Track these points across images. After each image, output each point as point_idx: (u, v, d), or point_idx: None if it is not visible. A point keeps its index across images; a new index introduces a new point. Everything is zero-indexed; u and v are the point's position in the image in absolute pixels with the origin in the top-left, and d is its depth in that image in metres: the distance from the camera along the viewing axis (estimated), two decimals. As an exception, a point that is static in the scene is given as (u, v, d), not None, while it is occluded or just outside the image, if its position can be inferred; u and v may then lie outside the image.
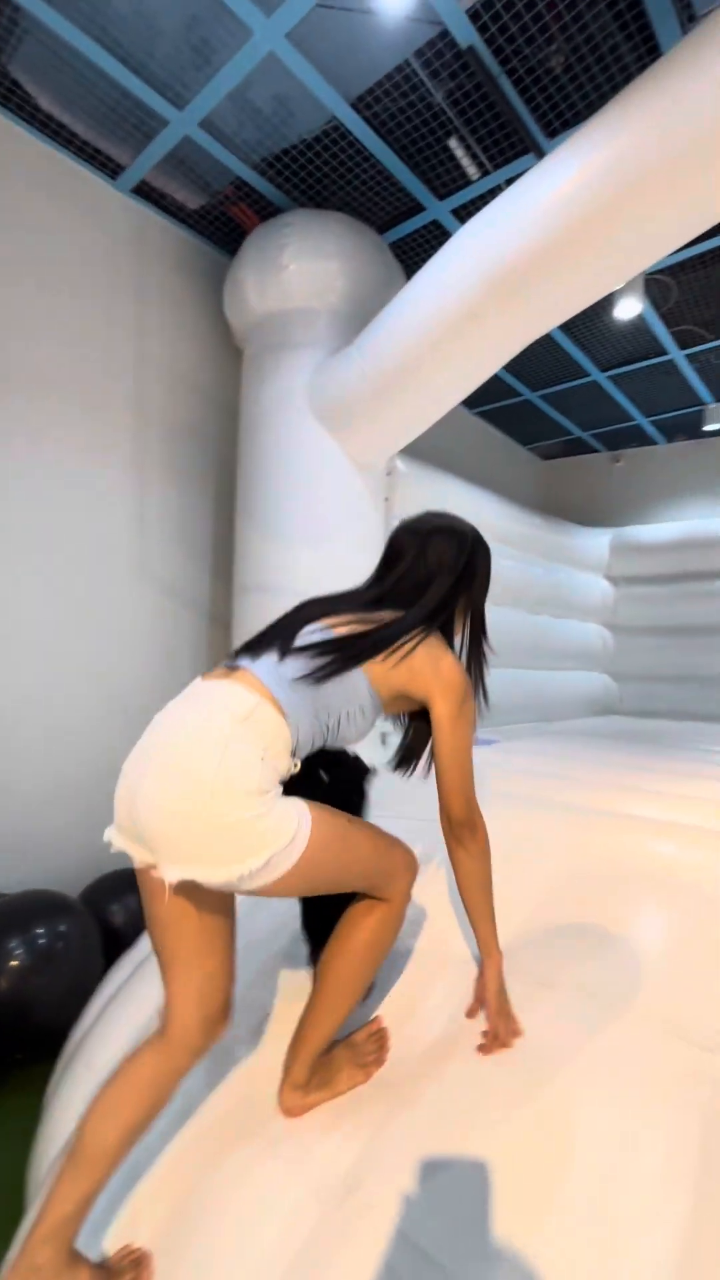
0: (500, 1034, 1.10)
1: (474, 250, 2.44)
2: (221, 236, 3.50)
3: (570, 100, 2.61)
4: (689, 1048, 0.97)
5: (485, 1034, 1.12)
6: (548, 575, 5.43)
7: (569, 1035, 1.07)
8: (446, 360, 2.62)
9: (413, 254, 3.55)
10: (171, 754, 0.94)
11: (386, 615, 1.18)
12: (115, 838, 1.01)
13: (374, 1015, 1.22)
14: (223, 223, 3.40)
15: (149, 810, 0.93)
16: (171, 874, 0.91)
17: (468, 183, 3.09)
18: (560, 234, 2.23)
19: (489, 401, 5.46)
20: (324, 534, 3.08)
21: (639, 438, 6.23)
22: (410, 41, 2.43)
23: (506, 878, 1.57)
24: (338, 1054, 1.14)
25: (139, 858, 0.98)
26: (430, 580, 1.23)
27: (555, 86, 2.56)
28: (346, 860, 1.01)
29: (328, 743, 1.10)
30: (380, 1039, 1.18)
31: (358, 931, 1.07)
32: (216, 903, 1.00)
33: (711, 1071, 0.93)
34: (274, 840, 0.93)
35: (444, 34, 2.39)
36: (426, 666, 1.13)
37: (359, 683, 1.10)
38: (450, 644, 1.25)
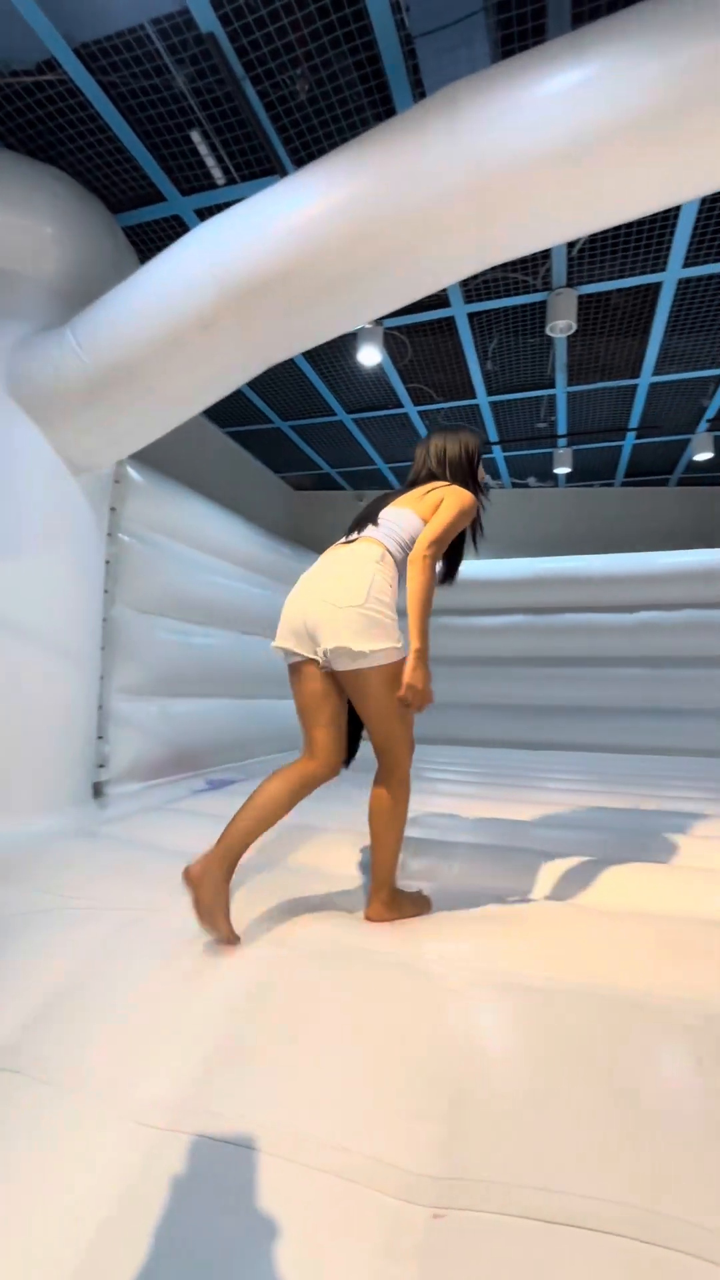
0: (411, 690, 1.53)
1: (208, 256, 2.24)
2: None
3: (315, 134, 2.59)
4: (403, 1206, 0.82)
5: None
6: (295, 604, 5.43)
7: (249, 1211, 0.84)
8: (177, 366, 2.35)
9: (152, 244, 3.22)
10: (341, 577, 1.59)
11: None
12: (280, 644, 1.67)
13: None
14: None
15: (324, 608, 1.56)
16: (331, 643, 1.53)
17: (214, 186, 2.90)
18: (297, 261, 2.14)
19: (239, 423, 5.31)
20: (24, 544, 2.52)
21: (381, 481, 6.69)
22: (146, 5, 2.16)
23: (194, 984, 1.31)
24: (403, 897, 1.70)
25: (300, 651, 1.63)
26: (441, 462, 1.89)
27: (301, 114, 2.51)
28: (396, 703, 1.58)
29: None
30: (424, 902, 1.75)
31: (384, 795, 1.69)
32: (336, 698, 1.64)
33: (415, 1230, 0.78)
34: (392, 640, 1.54)
35: (184, 12, 2.17)
36: (448, 491, 1.75)
37: (419, 527, 1.70)
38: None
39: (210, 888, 1.44)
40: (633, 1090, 1.00)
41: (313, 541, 6.78)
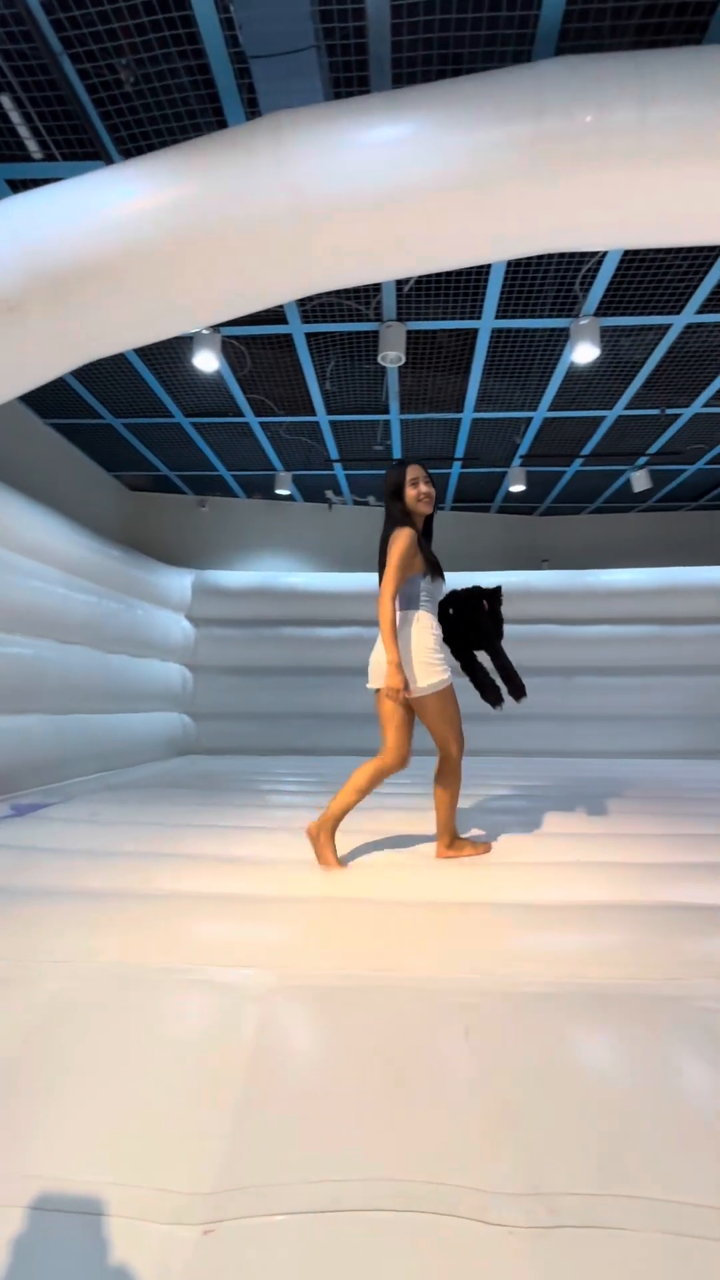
0: (389, 690, 2.08)
1: (17, 231, 2.07)
2: None
3: (144, 127, 2.51)
4: (174, 1229, 0.80)
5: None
6: (127, 612, 5.13)
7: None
8: (-22, 347, 2.14)
9: (-44, 210, 2.90)
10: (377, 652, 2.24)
11: None
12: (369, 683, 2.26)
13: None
14: None
15: (375, 666, 2.21)
16: (374, 684, 2.22)
17: (29, 158, 2.68)
18: (119, 255, 2.06)
19: (65, 415, 4.93)
20: None
21: (223, 487, 6.58)
22: (-57, -55, 1.96)
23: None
24: (463, 842, 2.29)
25: (374, 687, 2.22)
26: (387, 500, 2.34)
27: (128, 104, 2.42)
28: (448, 716, 2.20)
29: (431, 609, 2.26)
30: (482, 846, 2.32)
31: (441, 774, 2.26)
32: (404, 711, 2.18)
33: (186, 1250, 0.77)
34: (434, 679, 2.14)
35: (-9, -34, 1.99)
36: (389, 546, 2.21)
37: None
38: (412, 522, 2.29)
39: (321, 843, 2.13)
40: (408, 1070, 1.08)
41: (150, 545, 6.47)
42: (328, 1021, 1.25)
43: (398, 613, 2.14)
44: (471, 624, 2.48)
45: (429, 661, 2.12)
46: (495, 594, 2.54)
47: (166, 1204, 0.85)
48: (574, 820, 2.91)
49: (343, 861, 2.16)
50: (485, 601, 2.54)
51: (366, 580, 6.33)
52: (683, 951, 1.43)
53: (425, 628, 2.17)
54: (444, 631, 2.33)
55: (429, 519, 2.36)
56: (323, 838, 2.12)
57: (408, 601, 2.19)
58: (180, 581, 6.12)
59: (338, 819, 2.15)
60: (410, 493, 2.25)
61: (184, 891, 1.90)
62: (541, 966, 1.40)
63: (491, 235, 2.03)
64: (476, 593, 2.52)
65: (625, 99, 1.88)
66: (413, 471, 2.27)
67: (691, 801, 3.46)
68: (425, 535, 2.35)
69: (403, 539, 2.15)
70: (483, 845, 2.30)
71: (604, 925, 1.58)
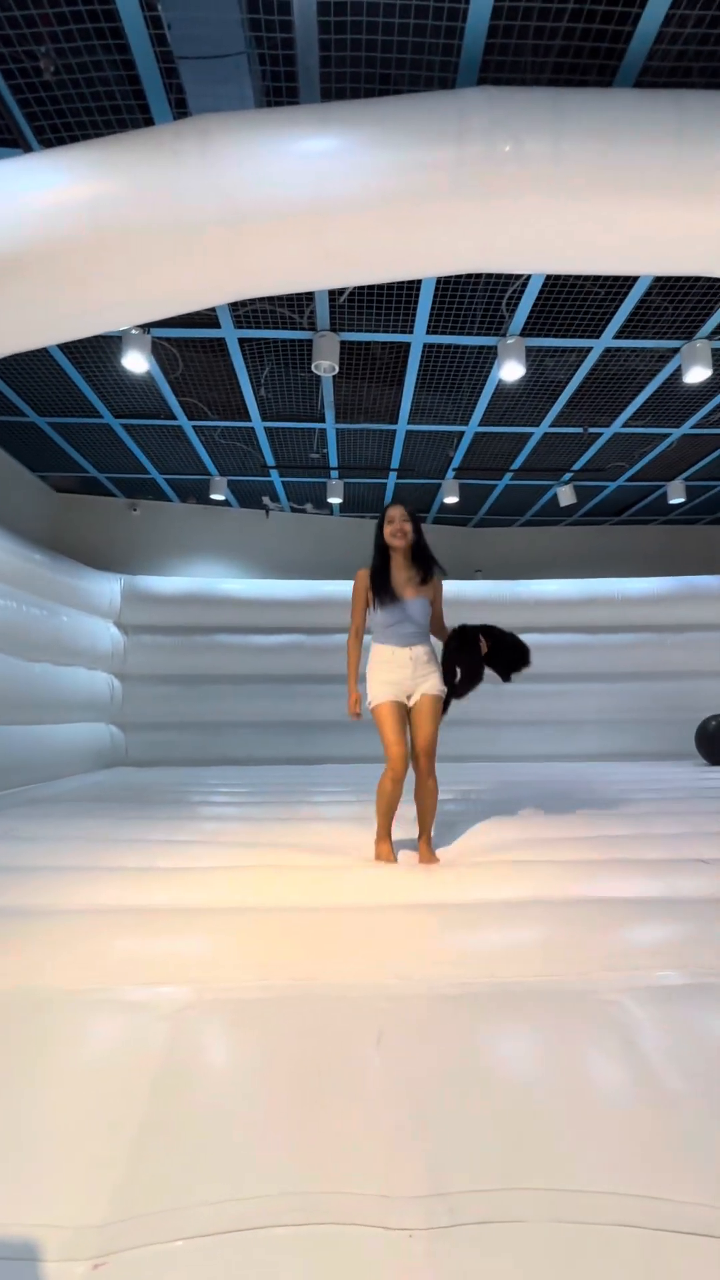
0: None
1: None
2: None
3: (66, 119, 2.44)
4: (62, 1266, 0.75)
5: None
6: (50, 618, 4.91)
7: None
8: None
9: None
10: None
11: None
12: None
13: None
14: None
15: None
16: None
17: (-59, 140, 2.55)
18: (36, 247, 1.99)
19: (-16, 411, 4.69)
20: None
21: (155, 491, 6.42)
22: None
23: None
24: (385, 847, 2.43)
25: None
26: None
27: (48, 93, 2.34)
28: (381, 730, 2.46)
29: (384, 637, 2.56)
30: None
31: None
32: (390, 720, 2.47)
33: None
34: (372, 698, 2.48)
35: None
36: None
37: None
38: (387, 555, 2.61)
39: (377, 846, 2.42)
40: (319, 1080, 1.07)
41: (78, 549, 6.22)
42: (241, 1035, 1.22)
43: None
44: (464, 655, 2.69)
45: (368, 687, 2.51)
46: (504, 643, 2.82)
47: (52, 1240, 0.80)
48: (497, 823, 2.98)
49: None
50: (483, 640, 2.73)
51: (304, 587, 6.34)
52: (590, 947, 1.48)
53: (373, 658, 2.53)
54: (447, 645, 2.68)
55: (414, 550, 2.60)
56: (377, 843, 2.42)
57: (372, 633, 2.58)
58: (109, 587, 5.91)
59: (382, 828, 2.43)
60: (386, 529, 2.57)
61: (102, 906, 1.82)
62: (457, 968, 1.42)
63: (414, 252, 2.08)
64: (482, 632, 2.76)
65: (541, 132, 1.97)
66: (390, 511, 2.58)
67: (610, 802, 3.62)
68: (418, 560, 2.60)
69: (355, 583, 2.59)
70: (390, 862, 2.38)
71: (517, 923, 1.63)
